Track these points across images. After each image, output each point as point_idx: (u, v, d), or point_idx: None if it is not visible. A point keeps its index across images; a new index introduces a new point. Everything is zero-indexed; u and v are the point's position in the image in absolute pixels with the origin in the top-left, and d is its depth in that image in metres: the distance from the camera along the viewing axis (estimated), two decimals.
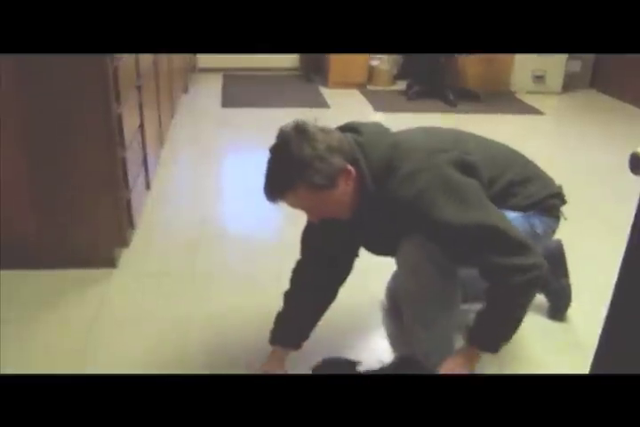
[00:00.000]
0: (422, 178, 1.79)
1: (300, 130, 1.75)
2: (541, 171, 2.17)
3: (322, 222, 1.93)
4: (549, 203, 2.07)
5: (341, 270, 2.15)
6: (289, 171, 1.74)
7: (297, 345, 2.12)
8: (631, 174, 1.25)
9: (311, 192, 1.76)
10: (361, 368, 2.02)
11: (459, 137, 2.08)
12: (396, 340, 2.38)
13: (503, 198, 1.98)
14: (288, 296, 2.14)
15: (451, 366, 1.88)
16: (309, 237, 2.11)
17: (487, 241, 1.78)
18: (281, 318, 2.13)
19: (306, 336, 2.12)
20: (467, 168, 1.88)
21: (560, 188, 2.16)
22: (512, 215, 1.93)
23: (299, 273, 2.15)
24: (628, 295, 1.31)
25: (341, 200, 1.83)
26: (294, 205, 1.84)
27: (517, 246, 1.78)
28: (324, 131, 1.78)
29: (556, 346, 2.40)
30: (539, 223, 2.04)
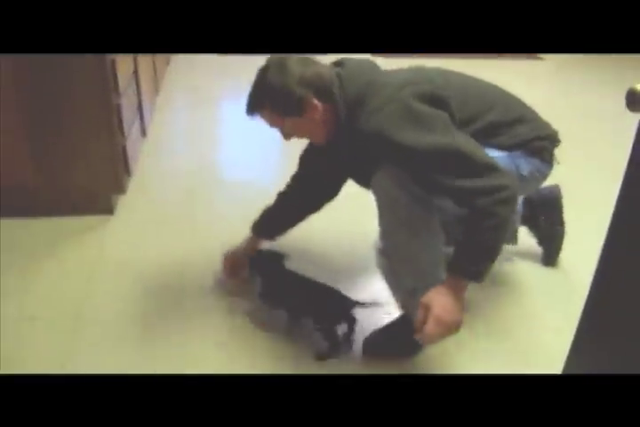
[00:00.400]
0: (387, 109, 1.83)
1: (279, 61, 1.93)
2: (535, 114, 2.14)
3: (316, 147, 2.16)
4: (538, 144, 2.05)
5: (329, 191, 2.31)
6: (259, 94, 1.98)
7: (271, 237, 2.37)
8: (631, 116, 1.24)
9: (277, 115, 1.96)
10: (288, 262, 2.21)
11: (440, 74, 2.04)
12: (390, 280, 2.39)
13: (486, 136, 1.95)
14: (279, 196, 2.34)
15: (432, 296, 1.77)
16: (305, 156, 2.29)
17: (451, 164, 1.77)
18: (266, 212, 2.35)
19: (281, 232, 2.36)
20: (435, 101, 1.86)
21: (554, 131, 2.14)
22: (495, 154, 1.90)
23: (293, 182, 2.34)
24: (621, 239, 1.31)
25: (311, 128, 1.98)
26: (268, 123, 2.02)
27: (483, 168, 1.76)
28: (304, 64, 1.92)
29: (548, 292, 2.42)
30: (525, 164, 2.02)
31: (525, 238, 2.52)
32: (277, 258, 2.22)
